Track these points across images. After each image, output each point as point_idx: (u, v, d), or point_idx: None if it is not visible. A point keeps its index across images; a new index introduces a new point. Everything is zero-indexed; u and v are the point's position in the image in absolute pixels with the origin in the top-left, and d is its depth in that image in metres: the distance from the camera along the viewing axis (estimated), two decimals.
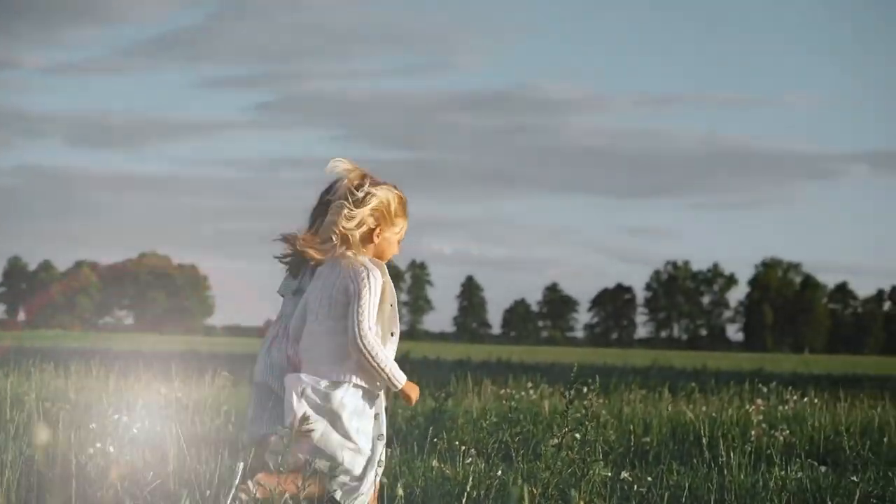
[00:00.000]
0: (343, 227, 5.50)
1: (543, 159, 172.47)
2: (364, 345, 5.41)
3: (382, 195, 5.57)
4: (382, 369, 5.42)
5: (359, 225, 5.53)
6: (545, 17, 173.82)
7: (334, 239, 5.53)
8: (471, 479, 7.01)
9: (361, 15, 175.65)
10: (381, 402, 5.63)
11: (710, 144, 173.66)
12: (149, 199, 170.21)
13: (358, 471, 5.49)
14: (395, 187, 5.66)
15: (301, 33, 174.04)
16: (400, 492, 5.40)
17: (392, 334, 5.58)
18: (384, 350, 5.44)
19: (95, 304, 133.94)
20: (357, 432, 5.49)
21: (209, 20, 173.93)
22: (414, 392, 5.49)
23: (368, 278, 5.46)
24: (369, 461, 5.53)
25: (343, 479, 5.49)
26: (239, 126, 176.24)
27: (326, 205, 5.95)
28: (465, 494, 6.86)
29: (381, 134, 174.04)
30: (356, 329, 5.42)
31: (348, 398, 5.49)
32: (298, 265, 6.01)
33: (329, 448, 5.47)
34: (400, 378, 5.45)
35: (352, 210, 5.51)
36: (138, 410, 10.65)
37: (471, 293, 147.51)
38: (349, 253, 5.53)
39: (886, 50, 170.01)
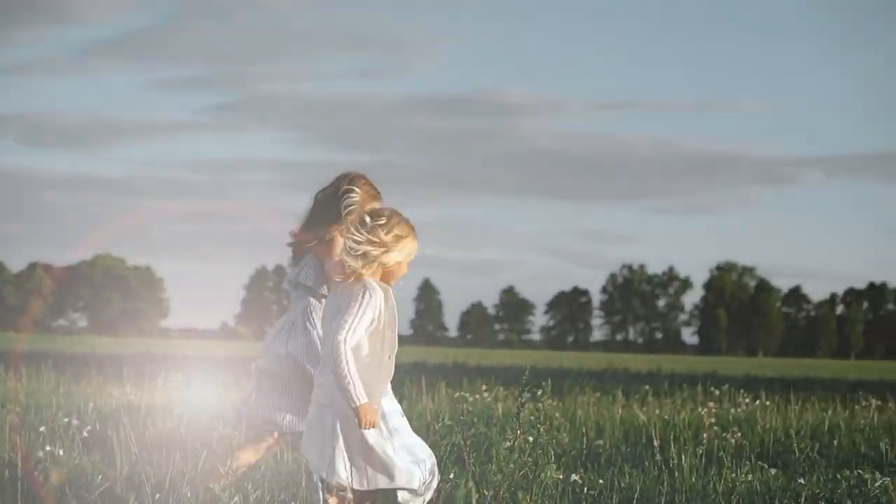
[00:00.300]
0: (350, 264, 5.61)
1: (500, 163, 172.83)
2: (333, 353, 5.44)
3: (382, 237, 5.64)
4: (342, 380, 5.43)
5: (362, 258, 5.60)
6: (502, 21, 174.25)
7: (341, 273, 5.64)
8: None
9: (318, 17, 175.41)
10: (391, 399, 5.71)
11: (665, 149, 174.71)
12: (103, 201, 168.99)
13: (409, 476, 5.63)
14: (400, 219, 5.72)
15: (257, 35, 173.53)
16: (349, 495, 5.40)
17: (389, 358, 5.62)
18: (352, 365, 5.46)
19: (49, 306, 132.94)
20: (395, 449, 5.59)
21: (164, 21, 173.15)
22: (367, 416, 5.48)
23: (363, 297, 5.54)
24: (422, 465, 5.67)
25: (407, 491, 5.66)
26: (194, 127, 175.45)
27: (320, 204, 6.26)
28: None
29: (338, 136, 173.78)
30: (332, 337, 5.47)
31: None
32: (298, 257, 6.47)
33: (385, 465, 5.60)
34: (358, 398, 5.46)
35: (357, 238, 5.60)
36: (89, 413, 10.57)
37: (427, 296, 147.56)
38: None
39: (840, 56, 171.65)
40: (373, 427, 5.49)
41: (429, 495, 5.75)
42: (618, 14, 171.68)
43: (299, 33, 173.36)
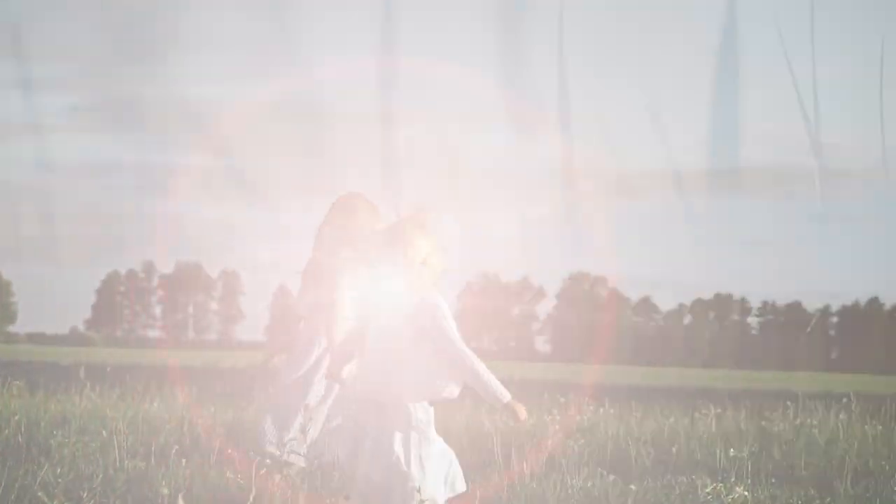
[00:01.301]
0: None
1: (358, 170, 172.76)
2: (464, 358, 6.02)
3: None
4: (486, 381, 5.97)
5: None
6: (359, 29, 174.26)
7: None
8: (254, 488, 6.97)
9: (179, 19, 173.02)
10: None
11: (519, 158, 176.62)
12: None
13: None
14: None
15: (116, 35, 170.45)
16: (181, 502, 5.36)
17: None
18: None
19: None
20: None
21: (18, 17, 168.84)
22: (520, 407, 5.93)
23: (440, 308, 6.12)
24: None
25: None
26: (49, 129, 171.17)
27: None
28: None
29: (196, 140, 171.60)
30: (452, 350, 6.07)
31: None
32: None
33: None
34: (504, 395, 6.01)
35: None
36: None
37: (283, 303, 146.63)
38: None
39: (689, 67, 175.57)
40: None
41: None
42: (475, 24, 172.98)
43: (160, 35, 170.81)
